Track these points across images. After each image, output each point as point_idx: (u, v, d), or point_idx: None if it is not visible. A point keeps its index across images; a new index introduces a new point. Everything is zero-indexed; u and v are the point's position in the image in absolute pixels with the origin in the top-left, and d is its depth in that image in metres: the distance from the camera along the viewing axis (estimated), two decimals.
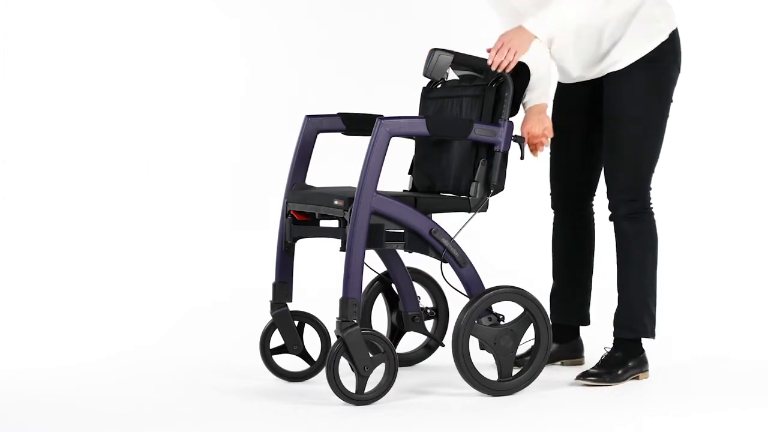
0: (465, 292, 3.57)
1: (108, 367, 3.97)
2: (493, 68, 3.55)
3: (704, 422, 3.32)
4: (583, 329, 4.01)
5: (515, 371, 3.59)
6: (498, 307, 3.56)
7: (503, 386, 3.55)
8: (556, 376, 3.80)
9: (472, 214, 3.56)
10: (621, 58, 3.68)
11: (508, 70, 3.55)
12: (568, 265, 3.95)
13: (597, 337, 3.98)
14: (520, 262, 5.23)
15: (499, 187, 3.58)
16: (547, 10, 3.57)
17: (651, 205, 3.75)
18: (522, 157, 3.70)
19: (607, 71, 3.71)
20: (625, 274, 3.75)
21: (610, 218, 3.76)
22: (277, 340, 3.78)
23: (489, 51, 3.58)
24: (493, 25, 3.90)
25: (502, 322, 3.55)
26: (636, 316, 3.74)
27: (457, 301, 3.72)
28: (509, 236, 5.42)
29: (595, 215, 3.95)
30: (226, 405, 3.45)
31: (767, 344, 4.33)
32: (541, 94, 3.75)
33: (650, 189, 3.75)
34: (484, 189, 3.57)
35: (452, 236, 3.52)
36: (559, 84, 3.91)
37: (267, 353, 3.78)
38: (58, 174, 5.21)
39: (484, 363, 3.57)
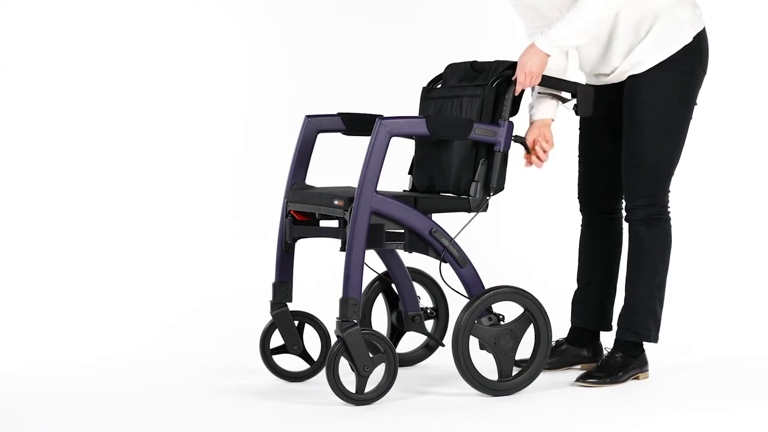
0: (464, 293, 3.57)
1: (108, 367, 3.97)
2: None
3: (704, 422, 3.32)
4: None
5: (515, 371, 3.59)
6: (498, 308, 3.56)
7: (503, 386, 3.55)
8: (556, 376, 3.80)
9: (472, 214, 3.56)
10: (643, 60, 3.63)
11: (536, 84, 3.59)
12: (594, 269, 3.89)
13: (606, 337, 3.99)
14: (520, 262, 5.23)
15: (499, 188, 3.58)
16: (557, 26, 3.54)
17: (668, 210, 3.73)
18: (528, 151, 3.68)
19: (628, 73, 3.67)
20: (635, 277, 3.73)
21: (626, 219, 3.74)
22: (277, 340, 3.78)
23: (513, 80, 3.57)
24: (491, 26, 3.90)
25: (502, 322, 3.55)
26: (641, 320, 3.73)
27: (457, 301, 3.72)
28: (510, 236, 5.42)
29: (623, 219, 3.88)
30: (226, 405, 3.45)
31: None
32: (546, 108, 3.73)
33: (668, 192, 3.72)
34: (484, 189, 3.57)
35: (452, 236, 3.52)
36: None
37: (267, 353, 3.78)
38: (59, 175, 5.21)
39: (484, 363, 3.57)
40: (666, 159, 3.68)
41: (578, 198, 3.92)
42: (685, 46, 3.64)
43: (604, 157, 3.83)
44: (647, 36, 3.63)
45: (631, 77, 3.68)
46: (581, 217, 3.93)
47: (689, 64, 3.65)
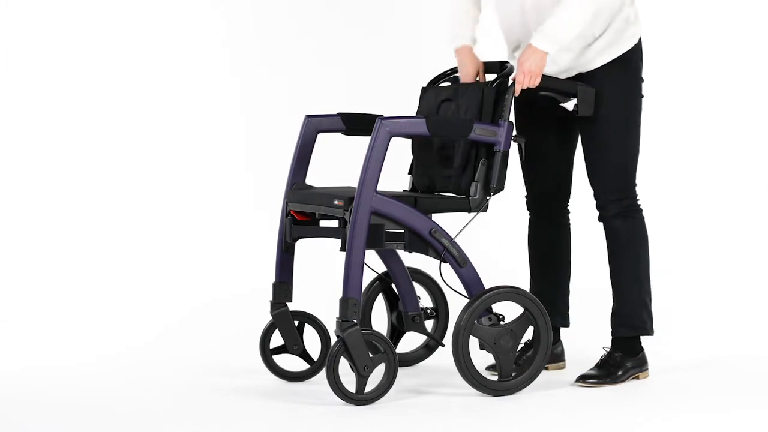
0: (464, 293, 3.57)
1: (107, 367, 3.97)
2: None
3: (704, 422, 3.32)
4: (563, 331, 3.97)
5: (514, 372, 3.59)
6: (498, 307, 3.56)
7: (503, 386, 3.55)
8: (556, 376, 3.80)
9: (473, 214, 3.56)
10: (595, 58, 3.65)
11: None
12: (547, 266, 3.90)
13: (580, 339, 3.99)
14: (520, 262, 5.22)
15: (499, 188, 3.58)
16: (549, 23, 3.55)
17: (639, 202, 3.75)
18: (523, 158, 3.69)
19: (581, 69, 3.68)
20: (619, 272, 3.74)
21: (600, 218, 3.75)
22: (277, 340, 3.78)
23: (514, 79, 3.57)
24: (491, 26, 3.89)
25: (502, 322, 3.55)
26: (634, 313, 3.74)
27: (457, 301, 3.72)
28: (509, 236, 5.42)
29: (570, 214, 3.91)
30: (226, 405, 3.45)
31: None
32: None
33: (636, 185, 3.74)
34: (484, 189, 3.57)
35: (452, 236, 3.52)
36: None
37: (267, 353, 3.78)
38: (59, 175, 5.21)
39: (484, 363, 3.57)
40: (631, 150, 3.71)
41: (525, 196, 3.91)
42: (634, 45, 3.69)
43: (550, 153, 3.81)
44: (603, 34, 3.63)
45: (584, 75, 3.68)
46: (529, 214, 3.92)
47: (636, 60, 3.69)
